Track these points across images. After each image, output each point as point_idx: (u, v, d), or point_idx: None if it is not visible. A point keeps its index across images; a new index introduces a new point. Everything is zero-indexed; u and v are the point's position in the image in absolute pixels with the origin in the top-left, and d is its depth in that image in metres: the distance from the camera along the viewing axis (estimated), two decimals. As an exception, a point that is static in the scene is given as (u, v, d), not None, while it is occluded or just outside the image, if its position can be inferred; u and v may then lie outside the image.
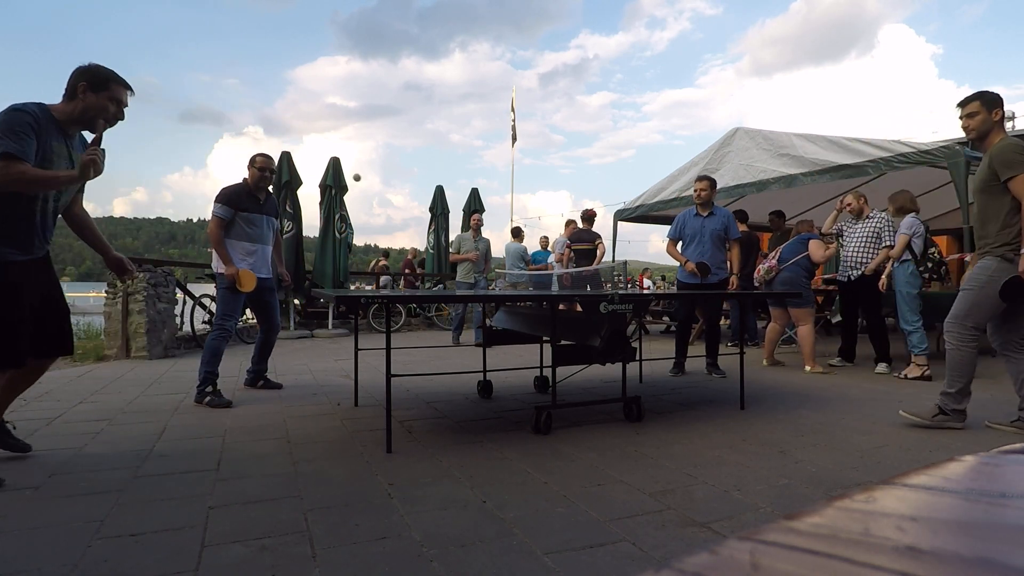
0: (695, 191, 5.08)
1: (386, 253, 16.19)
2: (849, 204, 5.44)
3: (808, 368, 5.33)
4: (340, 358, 6.19)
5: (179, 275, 7.11)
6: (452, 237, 11.71)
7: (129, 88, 2.53)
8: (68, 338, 2.60)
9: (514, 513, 2.01)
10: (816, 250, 5.41)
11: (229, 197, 3.95)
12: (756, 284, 5.84)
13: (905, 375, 4.93)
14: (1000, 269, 3.04)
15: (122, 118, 2.53)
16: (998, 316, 3.15)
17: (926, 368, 4.86)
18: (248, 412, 3.60)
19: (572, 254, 7.84)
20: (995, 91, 3.12)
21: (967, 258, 5.12)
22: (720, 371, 5.02)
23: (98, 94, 2.41)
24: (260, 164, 4.07)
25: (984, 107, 3.09)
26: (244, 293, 3.98)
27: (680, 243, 5.22)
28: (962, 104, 3.16)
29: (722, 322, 9.40)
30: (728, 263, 5.20)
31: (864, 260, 5.29)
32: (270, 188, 4.25)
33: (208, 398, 3.75)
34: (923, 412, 3.26)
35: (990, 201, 3.08)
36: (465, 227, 11.46)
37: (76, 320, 8.03)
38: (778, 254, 5.70)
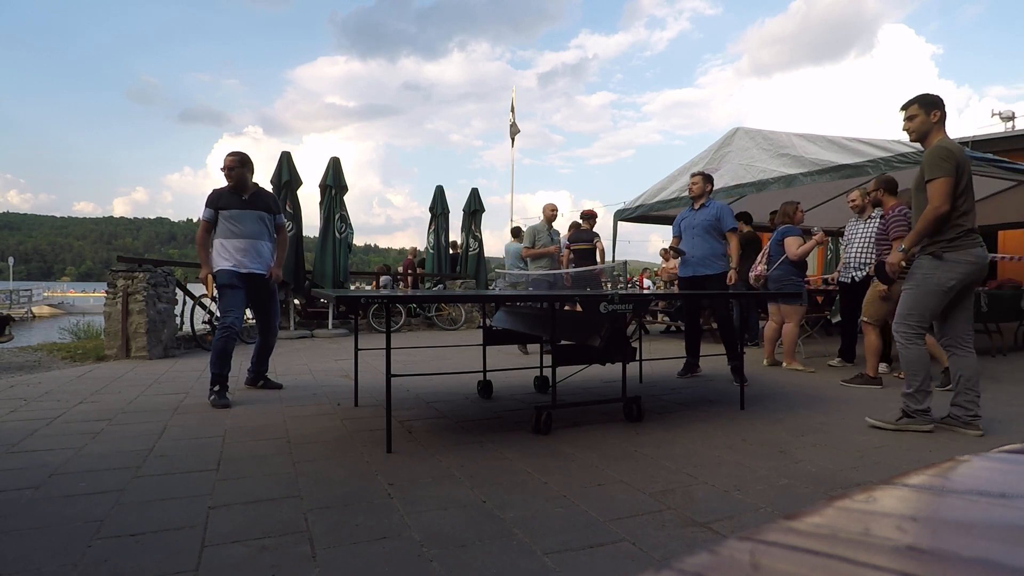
0: (688, 186, 5.14)
1: (387, 267, 15.70)
2: (853, 201, 5.42)
3: (785, 364, 5.46)
4: (340, 358, 6.19)
5: (179, 275, 7.10)
6: (453, 237, 11.72)
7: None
8: None
9: (514, 513, 2.01)
10: (791, 246, 5.41)
11: (210, 198, 4.10)
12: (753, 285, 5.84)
13: (905, 375, 4.92)
14: (932, 267, 3.08)
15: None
16: (939, 314, 3.19)
17: (926, 368, 4.86)
18: (248, 412, 3.60)
19: (572, 255, 7.84)
20: (935, 93, 3.17)
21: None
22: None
23: None
24: (223, 164, 4.16)
25: (922, 109, 3.12)
26: (243, 289, 4.06)
27: (681, 241, 5.18)
28: (903, 107, 3.21)
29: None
30: (727, 256, 5.06)
31: (867, 260, 5.28)
32: (259, 184, 4.29)
33: (212, 396, 3.79)
34: (888, 417, 3.26)
35: (922, 200, 3.10)
36: (466, 226, 11.46)
37: (76, 320, 8.03)
38: (766, 255, 5.70)
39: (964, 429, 3.13)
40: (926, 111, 3.12)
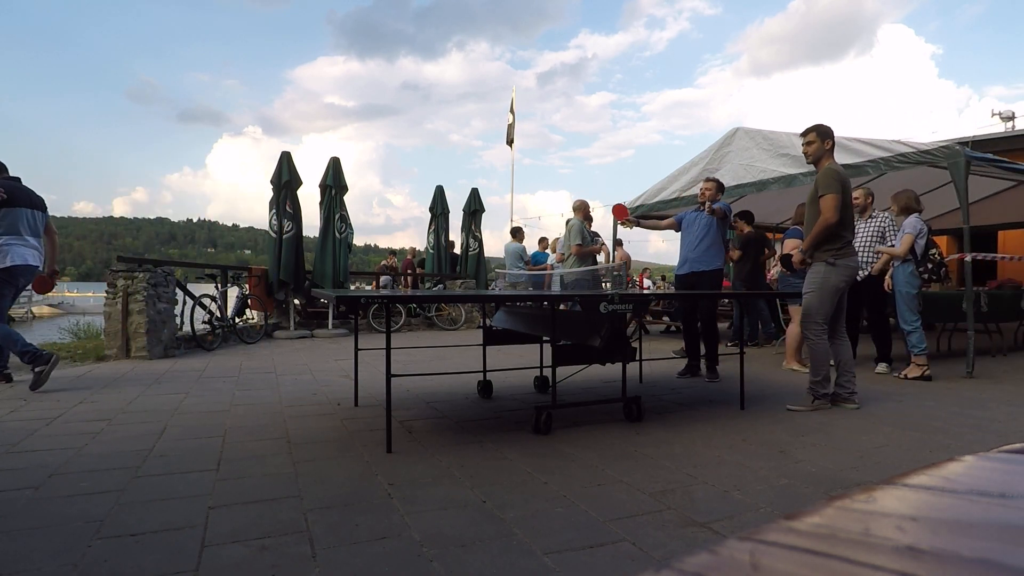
0: (701, 190, 5.10)
1: (392, 252, 16.04)
2: (856, 200, 5.43)
3: (784, 364, 5.55)
4: (340, 358, 6.18)
5: (179, 275, 7.10)
6: (453, 237, 11.72)
7: None
8: None
9: (514, 513, 2.01)
10: (785, 248, 5.51)
11: None
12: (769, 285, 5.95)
13: (905, 375, 4.92)
14: (828, 271, 3.62)
15: None
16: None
17: (926, 368, 4.86)
18: (248, 412, 3.60)
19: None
20: (828, 125, 3.77)
21: (967, 258, 5.12)
22: (715, 375, 4.84)
23: None
24: None
25: (818, 137, 3.74)
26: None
27: (681, 233, 5.22)
28: (803, 134, 3.82)
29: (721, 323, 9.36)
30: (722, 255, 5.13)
31: (869, 260, 5.29)
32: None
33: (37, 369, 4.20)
34: (805, 403, 3.71)
35: (815, 212, 3.69)
36: (466, 226, 11.45)
37: (76, 320, 8.02)
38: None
39: (844, 404, 3.74)
40: (820, 139, 3.74)
